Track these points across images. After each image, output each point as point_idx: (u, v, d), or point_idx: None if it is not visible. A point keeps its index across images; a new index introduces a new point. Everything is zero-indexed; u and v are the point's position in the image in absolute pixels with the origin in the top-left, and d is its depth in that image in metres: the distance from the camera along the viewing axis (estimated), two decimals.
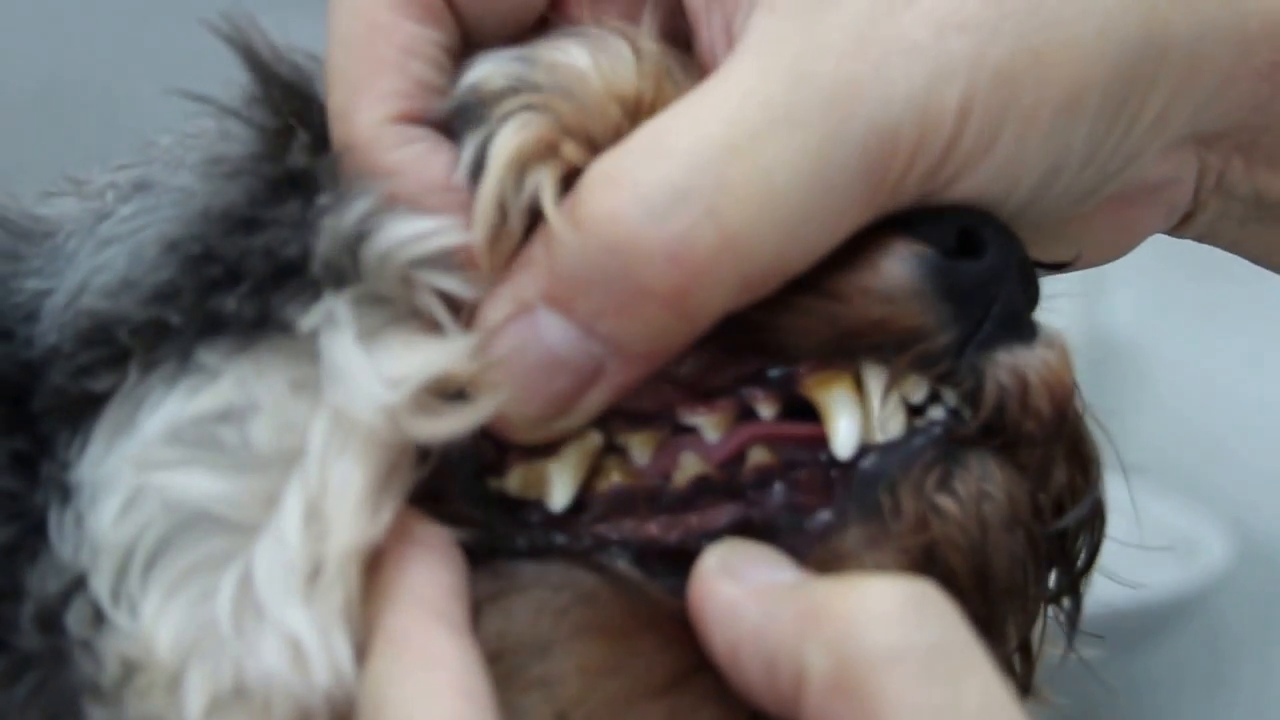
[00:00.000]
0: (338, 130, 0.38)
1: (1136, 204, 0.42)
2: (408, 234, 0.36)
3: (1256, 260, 0.49)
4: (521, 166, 0.37)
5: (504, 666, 0.35)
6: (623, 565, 0.37)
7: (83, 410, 0.37)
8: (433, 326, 0.36)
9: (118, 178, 0.41)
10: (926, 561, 0.37)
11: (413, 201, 0.37)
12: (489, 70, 0.38)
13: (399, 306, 0.37)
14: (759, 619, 0.33)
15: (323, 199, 0.37)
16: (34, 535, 0.36)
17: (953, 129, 0.35)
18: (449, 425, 0.35)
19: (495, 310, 0.36)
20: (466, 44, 0.39)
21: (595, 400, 0.36)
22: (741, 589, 0.34)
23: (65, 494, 0.36)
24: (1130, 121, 0.38)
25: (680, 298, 0.34)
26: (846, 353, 0.37)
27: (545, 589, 0.36)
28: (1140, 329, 1.93)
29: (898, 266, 0.37)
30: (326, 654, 0.34)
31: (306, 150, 0.38)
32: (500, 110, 0.37)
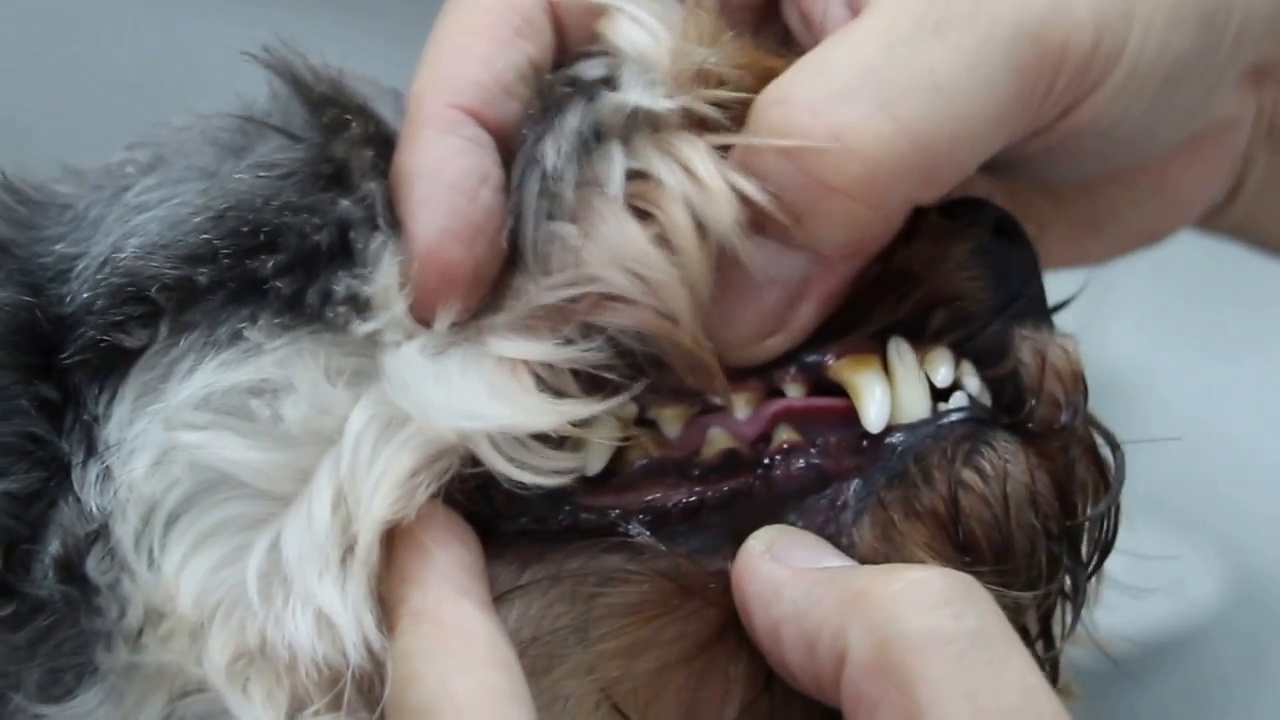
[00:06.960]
0: (410, 110, 0.39)
1: (1211, 144, 0.46)
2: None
3: None
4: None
5: (541, 653, 0.36)
6: (643, 538, 0.38)
7: (113, 364, 0.38)
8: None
9: (134, 155, 0.42)
10: (952, 533, 0.38)
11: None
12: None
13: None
14: (802, 599, 0.34)
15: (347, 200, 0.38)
16: (56, 482, 0.37)
17: (1093, 34, 0.38)
18: (529, 476, 0.37)
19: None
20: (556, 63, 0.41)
21: (807, 313, 0.38)
22: (785, 570, 0.35)
23: (91, 445, 0.37)
24: (1216, 41, 0.40)
25: (864, 187, 0.36)
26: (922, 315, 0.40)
27: (571, 576, 0.37)
28: (1135, 361, 1.92)
29: (961, 237, 0.40)
30: (358, 629, 0.35)
31: (347, 144, 0.39)
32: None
